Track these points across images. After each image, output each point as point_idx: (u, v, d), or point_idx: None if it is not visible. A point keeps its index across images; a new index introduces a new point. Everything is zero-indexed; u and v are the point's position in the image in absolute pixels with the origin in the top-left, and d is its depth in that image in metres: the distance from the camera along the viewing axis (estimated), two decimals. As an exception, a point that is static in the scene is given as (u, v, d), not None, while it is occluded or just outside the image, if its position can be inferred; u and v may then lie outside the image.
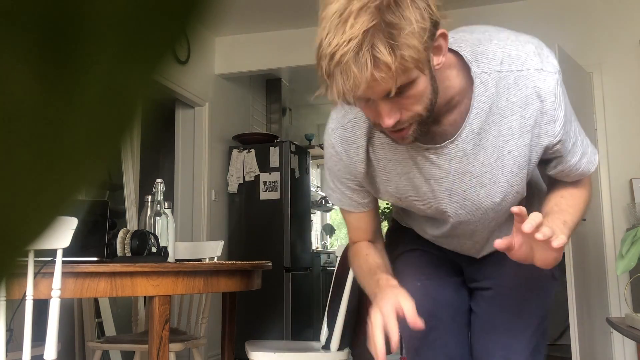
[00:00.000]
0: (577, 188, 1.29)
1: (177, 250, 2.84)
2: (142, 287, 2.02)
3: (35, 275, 1.84)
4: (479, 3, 4.37)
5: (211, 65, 4.93)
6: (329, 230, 7.77)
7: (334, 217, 8.72)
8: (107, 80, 0.20)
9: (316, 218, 7.60)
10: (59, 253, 1.83)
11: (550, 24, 4.23)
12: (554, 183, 1.31)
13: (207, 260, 2.95)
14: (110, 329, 3.68)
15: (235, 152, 5.08)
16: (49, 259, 1.87)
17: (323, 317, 2.66)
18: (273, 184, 4.96)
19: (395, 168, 1.20)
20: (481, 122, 1.11)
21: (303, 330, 5.18)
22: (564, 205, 1.23)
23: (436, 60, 1.01)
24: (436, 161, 1.15)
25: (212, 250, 3.01)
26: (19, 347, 1.90)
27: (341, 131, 1.21)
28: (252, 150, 5.04)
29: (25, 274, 1.80)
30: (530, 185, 1.28)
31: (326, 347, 2.49)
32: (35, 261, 1.85)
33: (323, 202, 7.36)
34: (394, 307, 1.08)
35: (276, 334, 4.74)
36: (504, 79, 1.09)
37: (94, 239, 2.34)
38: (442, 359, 1.37)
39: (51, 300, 1.84)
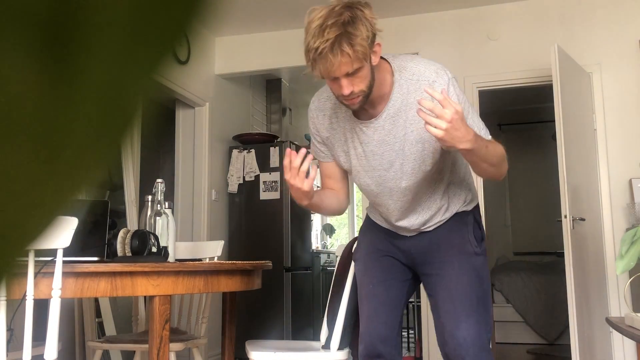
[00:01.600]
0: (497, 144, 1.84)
1: (177, 250, 2.84)
2: (142, 287, 2.02)
3: (36, 275, 1.84)
4: (479, 3, 4.36)
5: (211, 65, 4.93)
6: (329, 230, 7.77)
7: (334, 217, 8.71)
8: (107, 80, 0.20)
9: (316, 218, 7.60)
10: (59, 253, 1.83)
11: (550, 24, 4.23)
12: None
13: (207, 260, 2.95)
14: (110, 329, 3.68)
15: (235, 152, 5.07)
16: (49, 258, 1.87)
17: (323, 317, 2.66)
18: (273, 184, 4.96)
19: (345, 133, 1.87)
20: (395, 110, 1.76)
21: (303, 330, 5.18)
22: (490, 141, 1.76)
23: (374, 59, 1.67)
24: (367, 131, 1.81)
25: (212, 250, 3.01)
26: (19, 347, 1.90)
27: (317, 103, 1.93)
28: (252, 150, 5.04)
29: (25, 274, 1.81)
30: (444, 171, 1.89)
31: (326, 347, 2.49)
32: (35, 261, 1.85)
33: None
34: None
35: (276, 334, 4.74)
36: (413, 84, 1.74)
37: (94, 239, 2.34)
38: (374, 330, 1.95)
39: (51, 300, 1.84)
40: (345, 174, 2.00)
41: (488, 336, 1.87)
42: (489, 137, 1.80)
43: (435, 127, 1.53)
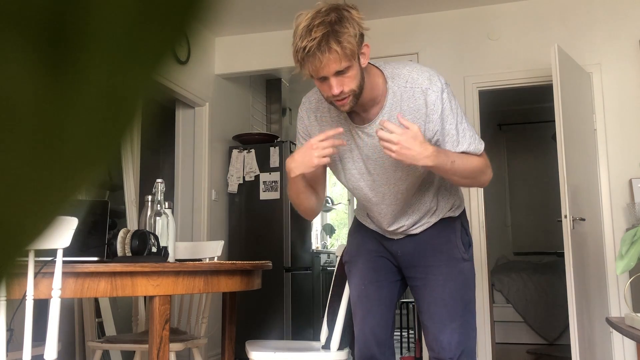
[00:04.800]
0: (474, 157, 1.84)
1: (177, 250, 2.84)
2: (142, 287, 2.02)
3: (36, 275, 1.84)
4: (479, 3, 4.36)
5: (211, 65, 4.93)
6: (329, 230, 7.77)
7: (334, 217, 8.71)
8: (107, 80, 0.20)
9: (316, 218, 7.60)
10: (59, 253, 1.83)
11: (550, 24, 4.23)
12: None
13: (207, 260, 2.95)
14: (110, 329, 3.68)
15: (235, 152, 5.07)
16: (49, 259, 1.87)
17: (323, 317, 2.67)
18: (273, 184, 4.96)
19: (339, 137, 1.78)
20: (388, 116, 1.74)
21: (303, 330, 5.18)
22: (460, 155, 1.76)
23: (362, 60, 1.65)
24: (362, 135, 1.80)
25: (212, 250, 3.01)
26: (19, 347, 1.90)
27: (307, 105, 1.91)
28: (252, 150, 5.03)
29: (25, 274, 1.81)
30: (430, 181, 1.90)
31: (326, 347, 2.49)
32: (35, 261, 1.85)
33: (323, 202, 7.36)
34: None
35: (276, 334, 4.74)
36: (406, 91, 1.74)
37: (94, 239, 2.34)
38: (369, 331, 1.95)
39: (51, 300, 1.84)
40: (324, 177, 1.98)
41: (473, 343, 1.88)
42: (481, 146, 1.80)
43: (386, 149, 1.61)
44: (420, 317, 1.94)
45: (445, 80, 1.78)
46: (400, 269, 2.00)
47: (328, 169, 1.96)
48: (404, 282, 2.04)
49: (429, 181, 1.88)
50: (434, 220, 1.92)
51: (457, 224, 1.95)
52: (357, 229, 2.09)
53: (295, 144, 5.38)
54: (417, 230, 1.93)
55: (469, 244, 1.96)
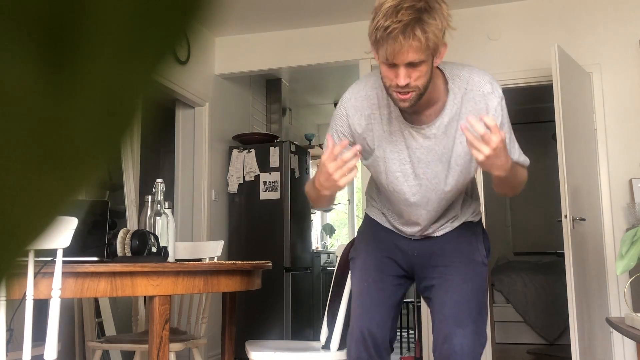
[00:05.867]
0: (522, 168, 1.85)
1: (177, 250, 2.84)
2: (142, 287, 2.02)
3: (36, 275, 1.84)
4: (479, 3, 4.36)
5: (211, 65, 4.92)
6: (329, 230, 7.76)
7: (334, 217, 8.71)
8: (107, 80, 0.20)
9: (316, 218, 7.60)
10: (59, 253, 1.83)
11: (550, 24, 4.23)
12: None
13: (207, 260, 2.95)
14: (110, 329, 3.68)
15: (235, 152, 5.07)
16: (49, 259, 1.87)
17: (323, 317, 2.67)
18: (273, 184, 4.96)
19: (388, 137, 1.75)
20: (449, 119, 1.69)
21: (303, 330, 5.18)
22: (515, 165, 1.73)
23: (436, 60, 1.58)
24: (416, 136, 1.72)
25: (212, 250, 3.01)
26: (19, 347, 1.90)
27: (354, 101, 1.77)
28: (252, 150, 5.03)
29: (25, 274, 1.81)
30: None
31: (326, 347, 2.49)
32: (35, 261, 1.85)
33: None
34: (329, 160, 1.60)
35: (276, 334, 4.74)
36: (467, 94, 1.68)
37: (94, 239, 2.34)
38: (366, 330, 1.87)
39: (51, 300, 1.84)
40: None
41: (481, 350, 1.83)
42: (522, 157, 1.81)
43: (477, 150, 1.51)
44: (432, 317, 1.88)
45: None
46: (408, 270, 1.95)
47: (363, 166, 1.90)
48: (406, 286, 2.00)
49: (463, 189, 1.85)
50: (456, 224, 1.90)
51: (479, 228, 1.94)
52: (369, 226, 2.02)
53: (295, 144, 5.40)
54: (437, 233, 1.89)
55: (488, 249, 1.93)
